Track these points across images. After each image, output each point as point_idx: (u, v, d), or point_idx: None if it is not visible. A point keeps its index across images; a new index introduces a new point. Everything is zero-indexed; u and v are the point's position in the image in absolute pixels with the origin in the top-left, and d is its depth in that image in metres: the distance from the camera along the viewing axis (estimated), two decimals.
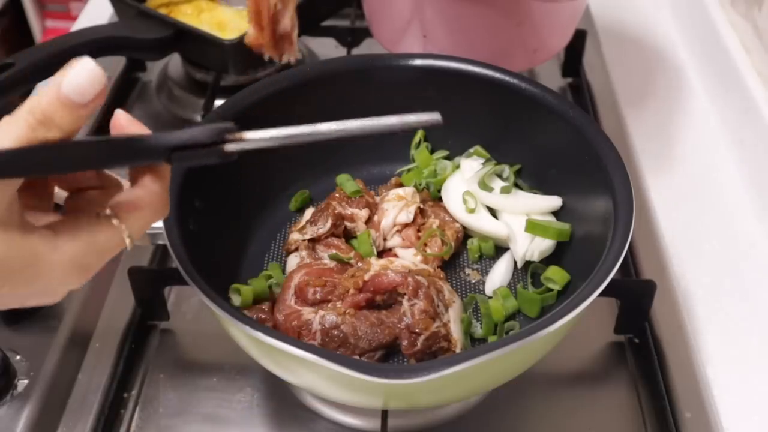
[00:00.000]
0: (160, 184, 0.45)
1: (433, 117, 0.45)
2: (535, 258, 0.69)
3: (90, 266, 0.43)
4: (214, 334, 0.68)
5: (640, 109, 0.97)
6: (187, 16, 0.92)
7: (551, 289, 0.67)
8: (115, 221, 0.43)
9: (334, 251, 0.70)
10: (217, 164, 0.43)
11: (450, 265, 0.73)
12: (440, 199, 0.76)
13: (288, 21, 0.54)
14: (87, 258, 0.43)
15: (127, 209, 0.44)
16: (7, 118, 0.40)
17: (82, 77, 0.40)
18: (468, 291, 0.71)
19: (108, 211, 0.43)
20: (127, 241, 0.44)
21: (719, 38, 0.97)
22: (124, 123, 0.44)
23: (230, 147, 0.43)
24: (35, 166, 0.39)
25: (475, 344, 0.65)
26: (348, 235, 0.73)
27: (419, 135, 0.79)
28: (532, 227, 0.69)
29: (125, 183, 0.46)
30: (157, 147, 0.42)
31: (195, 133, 0.42)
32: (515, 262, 0.72)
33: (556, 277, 0.66)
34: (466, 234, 0.74)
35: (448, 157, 0.78)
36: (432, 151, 0.79)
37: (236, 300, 0.65)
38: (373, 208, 0.74)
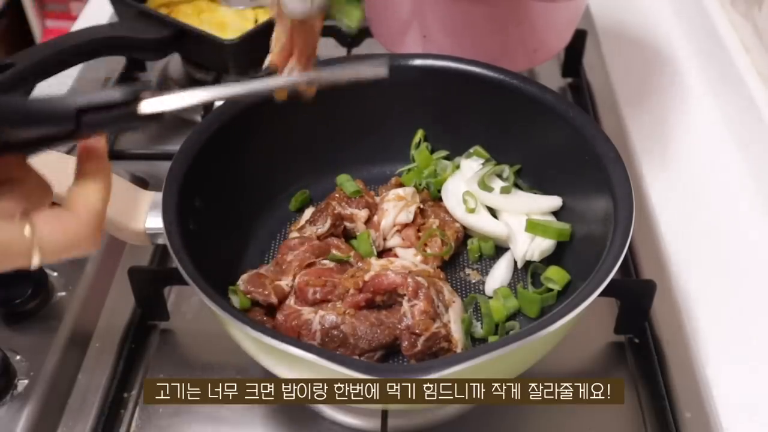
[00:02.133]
0: (96, 200, 0.40)
1: (379, 70, 0.46)
2: (536, 258, 0.69)
3: None
4: (214, 334, 0.68)
5: (640, 109, 0.97)
6: (187, 16, 0.92)
7: (551, 289, 0.67)
8: (26, 229, 0.38)
9: (334, 251, 0.70)
10: (132, 127, 0.39)
11: (450, 265, 0.73)
12: (440, 199, 0.76)
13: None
14: None
15: (45, 221, 0.38)
16: None
17: None
18: (468, 291, 0.71)
19: (20, 216, 0.38)
20: (35, 258, 0.38)
21: (719, 38, 0.97)
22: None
23: (145, 107, 0.39)
24: None
25: (476, 344, 0.65)
26: (348, 235, 0.73)
27: (419, 135, 0.79)
28: (533, 227, 0.69)
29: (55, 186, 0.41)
30: (62, 108, 0.37)
31: (107, 93, 0.38)
32: (515, 262, 0.72)
33: (556, 277, 0.66)
34: (466, 234, 0.74)
35: (448, 157, 0.78)
36: (432, 151, 0.79)
37: (236, 301, 0.65)
38: (373, 208, 0.74)
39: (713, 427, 0.63)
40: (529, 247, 0.69)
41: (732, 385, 0.68)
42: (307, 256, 0.68)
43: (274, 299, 0.65)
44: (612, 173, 0.63)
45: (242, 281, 0.66)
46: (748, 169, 0.88)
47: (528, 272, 0.70)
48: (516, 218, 0.72)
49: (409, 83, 0.75)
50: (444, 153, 0.78)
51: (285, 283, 0.66)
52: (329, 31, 1.02)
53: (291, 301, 0.65)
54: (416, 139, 0.79)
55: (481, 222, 0.73)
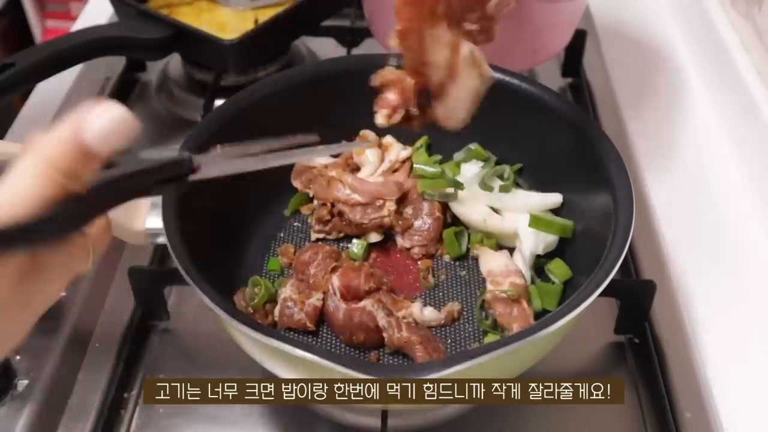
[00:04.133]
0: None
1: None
2: (540, 251, 0.69)
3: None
4: (214, 334, 0.68)
5: (640, 109, 0.97)
6: (187, 16, 0.92)
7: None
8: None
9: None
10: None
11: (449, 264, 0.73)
12: None
13: None
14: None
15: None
16: (20, 172, 0.35)
17: (106, 125, 0.36)
18: (474, 288, 0.71)
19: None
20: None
21: (719, 38, 0.97)
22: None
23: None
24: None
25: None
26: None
27: (422, 141, 0.78)
28: (536, 222, 0.69)
29: None
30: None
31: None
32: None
33: (558, 270, 0.67)
34: (468, 234, 0.74)
35: (447, 157, 0.78)
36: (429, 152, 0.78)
37: (259, 291, 0.66)
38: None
39: (713, 427, 0.63)
40: (534, 242, 0.69)
41: (732, 385, 0.68)
42: (328, 261, 0.68)
43: (311, 326, 0.65)
44: (612, 173, 0.63)
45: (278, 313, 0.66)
46: (748, 169, 0.88)
47: (531, 267, 0.70)
48: (518, 217, 0.71)
49: None
50: (438, 158, 0.78)
51: (316, 298, 0.66)
52: (329, 32, 1.02)
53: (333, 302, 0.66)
54: (417, 143, 0.78)
55: (487, 220, 0.72)
